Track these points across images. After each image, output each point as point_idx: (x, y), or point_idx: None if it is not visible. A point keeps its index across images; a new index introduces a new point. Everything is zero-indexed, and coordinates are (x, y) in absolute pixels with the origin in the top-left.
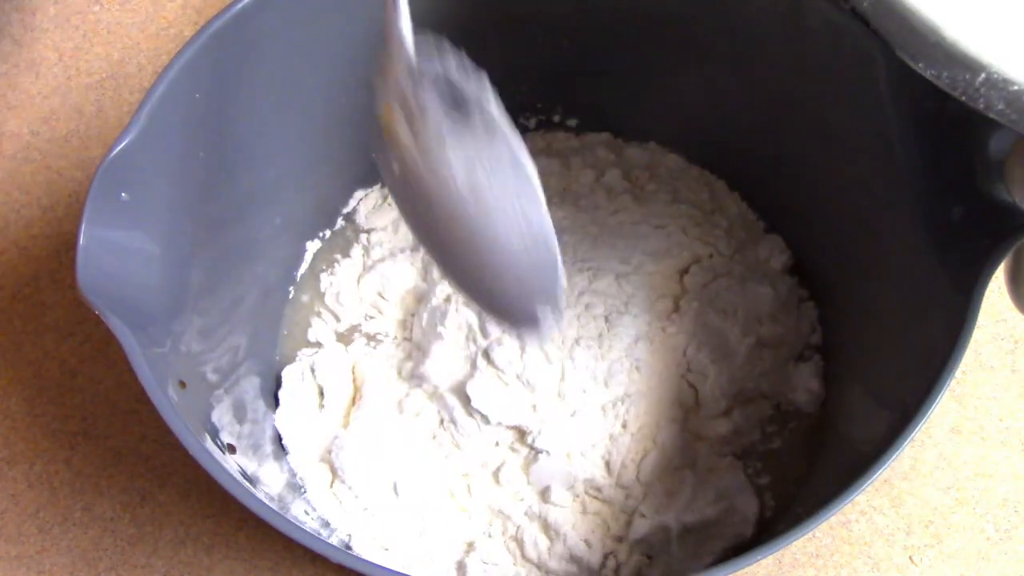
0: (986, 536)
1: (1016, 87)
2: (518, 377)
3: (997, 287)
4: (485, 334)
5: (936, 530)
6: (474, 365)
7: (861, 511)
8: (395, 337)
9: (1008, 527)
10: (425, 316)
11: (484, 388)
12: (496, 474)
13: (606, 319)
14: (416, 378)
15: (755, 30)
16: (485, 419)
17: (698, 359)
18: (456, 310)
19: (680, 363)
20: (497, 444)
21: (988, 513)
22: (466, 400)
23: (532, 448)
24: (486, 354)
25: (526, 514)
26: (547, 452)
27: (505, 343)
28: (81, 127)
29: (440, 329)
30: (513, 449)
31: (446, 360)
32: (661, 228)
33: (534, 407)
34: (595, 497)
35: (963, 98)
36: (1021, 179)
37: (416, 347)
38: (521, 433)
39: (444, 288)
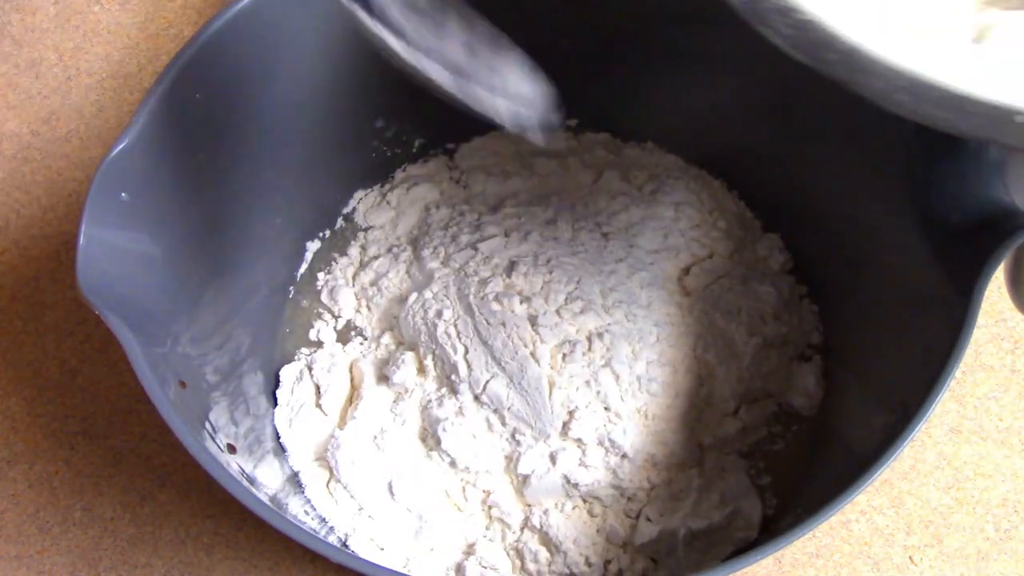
0: (986, 536)
1: (800, 15)
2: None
3: (997, 287)
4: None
5: (936, 530)
6: (454, 391)
7: (861, 511)
8: (386, 335)
9: (1008, 527)
10: (410, 319)
11: (456, 434)
12: (486, 501)
13: (607, 314)
14: (397, 384)
15: (754, 31)
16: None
17: (705, 360)
18: (449, 306)
19: (686, 363)
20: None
21: (988, 513)
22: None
23: (520, 475)
24: (485, 342)
25: (526, 527)
26: (536, 474)
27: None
28: (81, 127)
29: (421, 331)
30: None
31: (416, 375)
32: (660, 228)
33: (512, 434)
34: (598, 499)
35: (748, 17)
36: (1021, 180)
37: (405, 349)
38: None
39: (436, 287)
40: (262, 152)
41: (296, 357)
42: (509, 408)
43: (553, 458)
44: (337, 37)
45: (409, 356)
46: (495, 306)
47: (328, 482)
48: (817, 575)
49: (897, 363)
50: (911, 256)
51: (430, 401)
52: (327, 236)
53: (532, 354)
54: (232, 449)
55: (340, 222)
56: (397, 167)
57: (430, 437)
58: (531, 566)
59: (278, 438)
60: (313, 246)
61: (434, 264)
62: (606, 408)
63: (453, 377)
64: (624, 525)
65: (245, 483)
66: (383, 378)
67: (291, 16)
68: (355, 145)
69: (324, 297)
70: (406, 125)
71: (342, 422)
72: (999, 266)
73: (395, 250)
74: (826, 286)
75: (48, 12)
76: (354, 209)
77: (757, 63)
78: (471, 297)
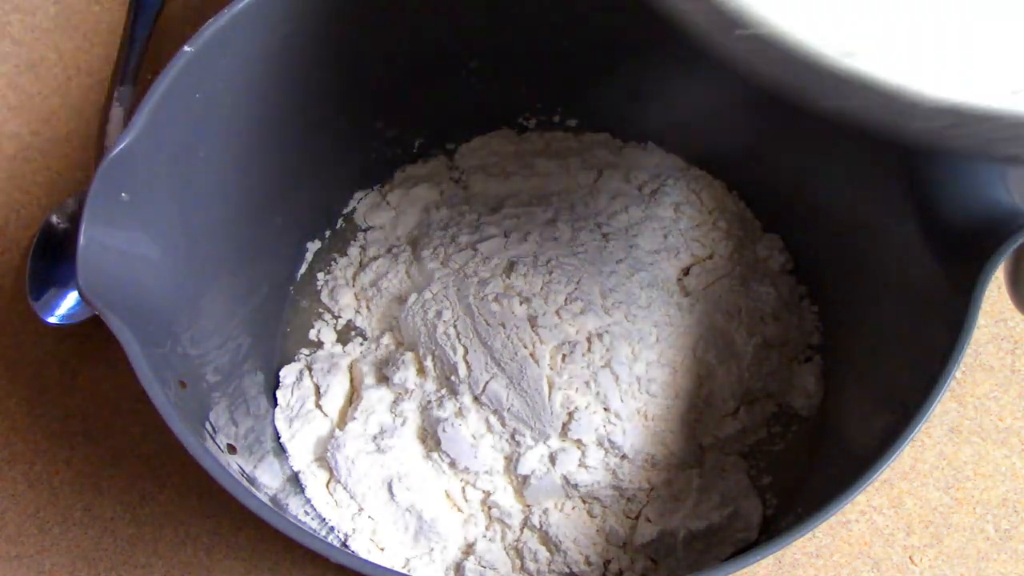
0: (986, 536)
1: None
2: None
3: (997, 287)
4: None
5: (936, 530)
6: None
7: (861, 511)
8: (386, 335)
9: (1008, 527)
10: (410, 319)
11: (455, 434)
12: (486, 502)
13: (607, 314)
14: (397, 385)
15: None
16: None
17: (705, 360)
18: (448, 307)
19: (686, 363)
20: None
21: (988, 513)
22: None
23: (519, 476)
24: (485, 343)
25: (526, 526)
26: (536, 475)
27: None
28: (81, 127)
29: (421, 331)
30: (498, 474)
31: (416, 376)
32: (660, 229)
33: (512, 435)
34: (598, 500)
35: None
36: (1022, 180)
37: (405, 350)
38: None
39: (436, 287)
40: (262, 152)
41: (296, 357)
42: (509, 409)
43: (553, 459)
44: (337, 38)
45: (409, 356)
46: (495, 307)
47: (328, 482)
48: (817, 575)
49: (897, 363)
50: (911, 256)
51: (430, 402)
52: (327, 236)
53: (532, 355)
54: (232, 449)
55: (340, 222)
56: (397, 167)
57: (430, 437)
58: (531, 565)
59: (278, 438)
60: (313, 246)
61: (434, 264)
62: (606, 409)
63: (453, 378)
64: (624, 525)
65: (245, 483)
66: (383, 378)
67: (291, 16)
68: (355, 145)
69: (324, 297)
70: (406, 125)
71: (342, 422)
72: (999, 266)
73: (395, 250)
74: (826, 286)
75: (48, 12)
76: (354, 209)
77: None
78: (471, 298)
